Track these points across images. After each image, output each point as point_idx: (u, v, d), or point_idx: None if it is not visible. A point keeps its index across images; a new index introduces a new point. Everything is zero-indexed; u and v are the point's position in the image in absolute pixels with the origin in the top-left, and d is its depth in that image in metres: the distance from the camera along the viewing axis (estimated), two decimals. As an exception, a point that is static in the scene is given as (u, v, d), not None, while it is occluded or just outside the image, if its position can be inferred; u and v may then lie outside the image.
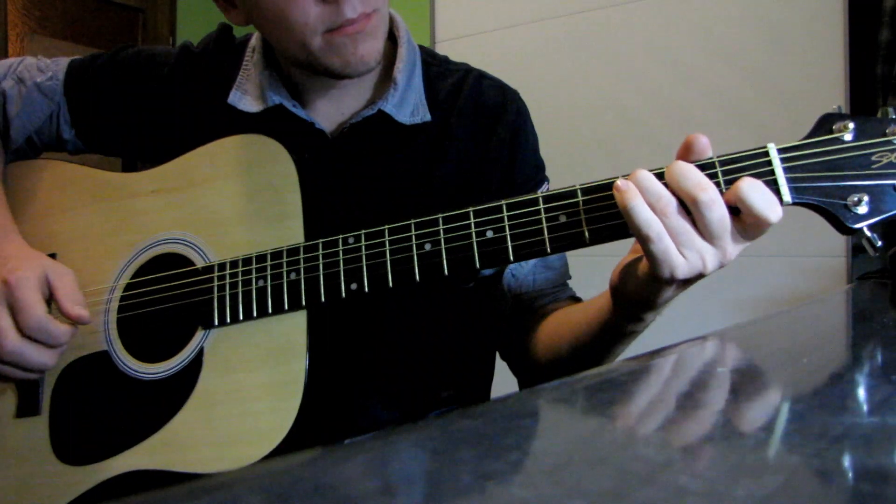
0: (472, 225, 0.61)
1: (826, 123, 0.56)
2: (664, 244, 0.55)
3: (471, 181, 0.80)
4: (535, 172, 0.84)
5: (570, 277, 0.88)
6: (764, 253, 1.65)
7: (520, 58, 1.99)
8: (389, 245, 0.64)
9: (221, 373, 0.69)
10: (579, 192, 0.58)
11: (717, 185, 0.55)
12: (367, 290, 0.64)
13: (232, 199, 0.74)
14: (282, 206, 0.71)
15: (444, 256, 0.62)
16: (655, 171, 0.56)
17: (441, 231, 0.62)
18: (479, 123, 0.82)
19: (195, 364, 0.71)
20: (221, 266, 0.72)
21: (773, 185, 0.54)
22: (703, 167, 0.56)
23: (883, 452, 0.27)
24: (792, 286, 1.62)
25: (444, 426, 0.32)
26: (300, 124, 0.78)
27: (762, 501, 0.22)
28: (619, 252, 0.65)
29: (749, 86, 1.68)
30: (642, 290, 0.61)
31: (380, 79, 0.81)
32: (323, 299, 0.66)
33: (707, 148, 0.57)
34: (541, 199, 0.59)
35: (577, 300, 0.86)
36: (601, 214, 0.57)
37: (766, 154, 0.55)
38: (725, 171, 0.55)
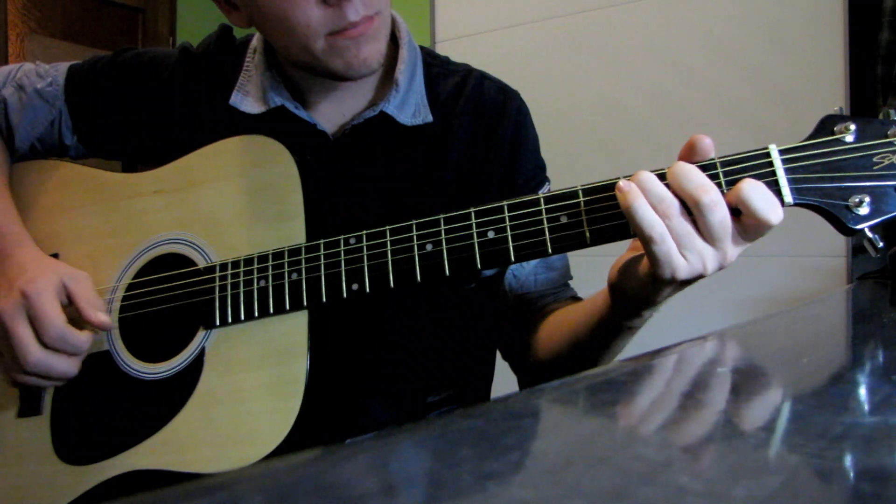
0: (474, 225, 0.61)
1: (827, 125, 0.56)
2: (667, 246, 0.55)
3: (472, 182, 0.80)
4: (536, 173, 0.84)
5: (571, 278, 0.88)
6: (764, 253, 1.65)
7: (520, 58, 1.99)
8: (391, 245, 0.64)
9: (222, 373, 0.69)
10: (580, 192, 0.59)
11: (719, 185, 0.55)
12: (368, 290, 0.64)
13: (234, 200, 0.74)
14: (283, 206, 0.71)
15: (445, 257, 0.62)
16: (657, 172, 0.56)
17: (442, 231, 0.62)
18: (481, 124, 0.82)
19: (196, 364, 0.71)
20: (223, 266, 0.72)
21: (775, 186, 0.54)
22: (704, 168, 0.56)
23: (883, 452, 0.27)
24: (792, 286, 1.62)
25: (444, 426, 0.32)
26: (302, 125, 0.78)
27: (762, 501, 0.22)
28: (619, 252, 0.65)
29: (749, 86, 1.68)
30: (642, 289, 0.61)
31: (381, 80, 0.81)
32: (324, 300, 0.66)
33: (710, 149, 0.57)
34: (542, 199, 0.60)
35: (578, 300, 0.86)
36: (602, 215, 0.58)
37: (768, 155, 0.55)
38: (727, 171, 0.55)
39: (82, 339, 0.73)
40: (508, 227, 0.60)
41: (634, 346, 0.72)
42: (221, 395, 0.68)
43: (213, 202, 0.75)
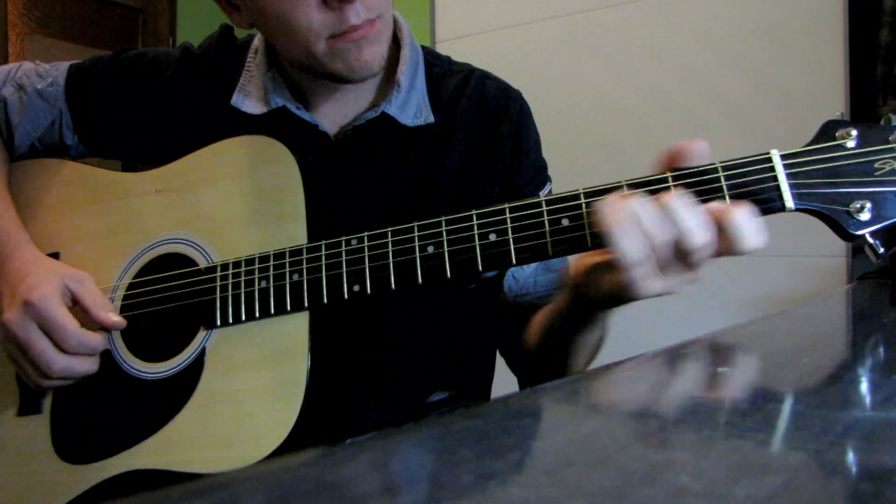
0: (475, 227, 0.61)
1: (829, 130, 0.56)
2: (644, 271, 0.55)
3: (473, 182, 0.80)
4: (537, 174, 0.84)
5: None
6: (764, 253, 1.64)
7: (520, 58, 1.99)
8: (392, 247, 0.64)
9: (223, 373, 0.69)
10: (582, 195, 0.59)
11: (719, 189, 0.55)
12: (369, 291, 0.64)
13: (235, 200, 0.74)
14: (284, 206, 0.71)
15: (446, 259, 0.62)
16: (649, 188, 0.56)
17: (444, 233, 0.62)
18: (482, 124, 0.82)
19: (197, 364, 0.71)
20: (224, 266, 0.72)
21: (776, 191, 0.54)
22: (705, 173, 0.56)
23: (884, 451, 0.27)
24: (792, 286, 1.62)
25: (444, 426, 0.32)
26: (303, 126, 0.78)
27: (763, 501, 0.22)
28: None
29: (749, 86, 1.68)
30: (608, 300, 0.61)
31: (383, 81, 0.81)
32: (325, 301, 0.66)
33: (705, 154, 0.56)
34: (543, 202, 0.59)
35: None
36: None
37: (770, 160, 0.55)
38: (728, 175, 0.55)
39: (99, 339, 0.74)
40: (510, 230, 0.60)
41: (634, 346, 0.72)
42: (222, 395, 0.68)
43: (215, 202, 0.75)
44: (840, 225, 0.54)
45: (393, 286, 0.63)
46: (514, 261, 0.60)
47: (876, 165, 0.54)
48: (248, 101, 0.80)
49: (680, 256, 0.54)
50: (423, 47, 0.86)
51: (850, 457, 0.27)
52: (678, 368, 0.47)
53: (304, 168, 0.72)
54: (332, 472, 0.25)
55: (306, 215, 0.70)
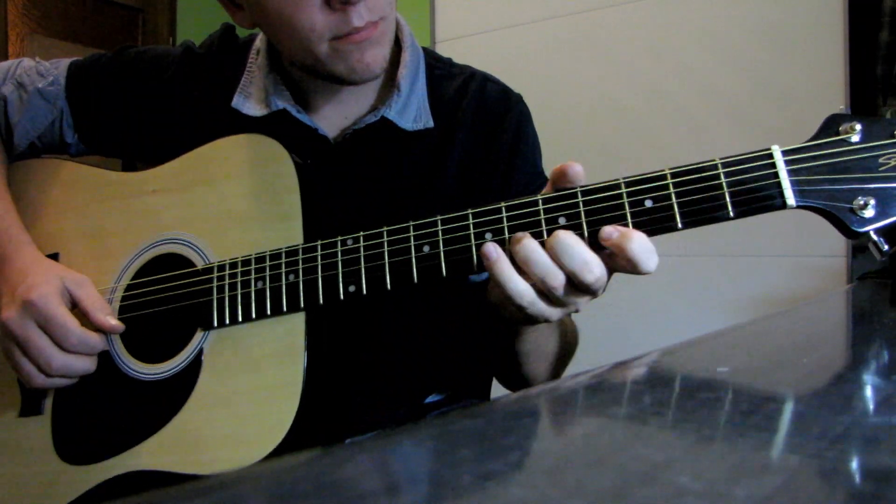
0: (471, 226, 0.61)
1: (832, 125, 0.55)
2: (536, 307, 0.58)
3: (472, 186, 0.80)
4: (534, 178, 0.83)
5: None
6: (764, 253, 1.65)
7: (520, 58, 1.99)
8: (388, 247, 0.64)
9: (220, 374, 0.69)
10: (579, 193, 0.58)
11: (719, 186, 0.55)
12: (365, 291, 0.64)
13: (232, 200, 0.74)
14: (281, 207, 0.71)
15: (442, 258, 0.62)
16: (532, 231, 0.58)
17: (440, 233, 0.62)
18: (482, 127, 0.82)
19: (194, 365, 0.71)
20: (221, 267, 0.72)
21: (777, 188, 0.53)
22: (704, 170, 0.55)
23: (884, 452, 0.27)
24: (792, 286, 1.62)
25: (444, 426, 0.32)
26: (303, 129, 0.78)
27: (762, 501, 0.22)
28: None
29: (749, 86, 1.68)
30: (518, 323, 0.64)
31: (383, 83, 0.81)
32: (321, 301, 0.66)
33: (580, 176, 0.58)
34: (540, 200, 0.59)
35: None
36: (601, 218, 0.57)
37: (770, 156, 0.54)
38: (728, 172, 0.55)
39: (99, 339, 0.74)
40: (506, 229, 0.60)
41: (634, 345, 0.72)
42: (219, 396, 0.68)
43: (212, 202, 0.75)
44: (843, 222, 0.53)
45: (388, 286, 0.63)
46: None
47: (881, 161, 0.52)
48: (249, 102, 0.80)
49: (573, 289, 0.56)
50: (425, 49, 0.86)
51: (851, 457, 0.27)
52: (678, 368, 0.47)
53: (303, 171, 0.72)
54: (331, 472, 0.25)
55: (306, 219, 0.70)
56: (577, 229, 0.57)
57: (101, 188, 0.82)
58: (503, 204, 0.60)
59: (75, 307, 0.74)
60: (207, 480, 0.25)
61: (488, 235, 0.60)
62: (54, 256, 0.81)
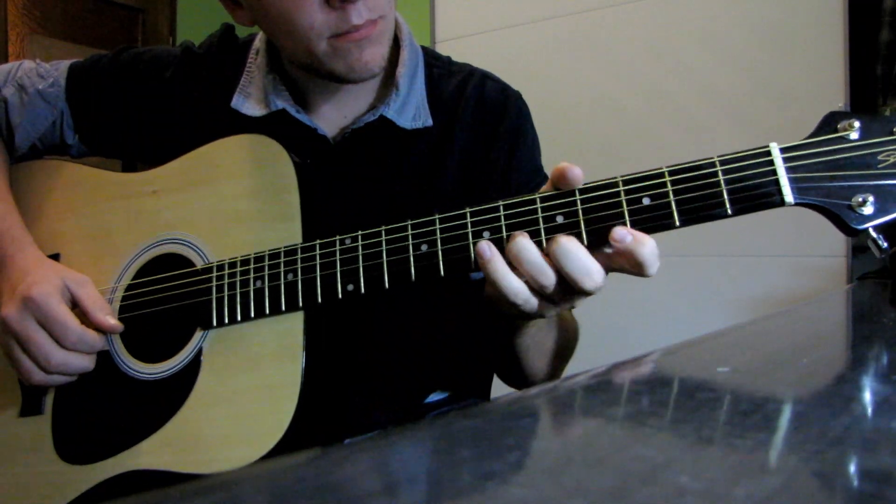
0: (469, 225, 0.61)
1: (831, 122, 0.54)
2: (531, 305, 0.58)
3: (472, 184, 0.80)
4: (533, 176, 0.83)
5: None
6: (764, 253, 1.65)
7: (520, 58, 1.99)
8: (386, 245, 0.64)
9: (219, 373, 0.69)
10: (577, 192, 0.58)
11: (717, 184, 0.55)
12: (363, 290, 0.64)
13: (232, 200, 0.74)
14: (281, 206, 0.71)
15: (440, 257, 0.62)
16: (529, 230, 0.58)
17: (437, 231, 0.62)
18: (481, 125, 0.82)
19: (194, 365, 0.71)
20: (220, 267, 0.72)
21: (775, 185, 0.53)
22: (702, 167, 0.55)
23: (883, 453, 0.27)
24: (792, 286, 1.62)
25: (444, 426, 0.32)
26: (302, 129, 0.78)
27: (762, 501, 0.22)
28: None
29: (749, 86, 1.68)
30: (517, 316, 0.65)
31: (382, 82, 0.81)
32: (319, 300, 0.66)
33: (579, 178, 0.58)
34: (538, 199, 0.59)
35: None
36: (599, 216, 0.57)
37: (769, 154, 0.54)
38: (726, 170, 0.55)
39: (98, 338, 0.74)
40: (504, 227, 0.60)
41: (634, 345, 0.72)
42: (218, 395, 0.68)
43: (211, 202, 0.75)
44: (842, 220, 0.53)
45: (387, 285, 0.63)
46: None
47: (880, 158, 0.52)
48: (248, 103, 0.80)
49: (569, 291, 0.57)
50: (424, 48, 0.86)
51: (850, 457, 0.27)
52: (678, 368, 0.47)
53: (302, 171, 0.72)
54: (331, 472, 0.25)
55: (305, 218, 0.70)
56: (574, 228, 0.57)
57: (102, 189, 0.83)
58: (501, 203, 0.60)
59: (76, 307, 0.75)
60: (207, 480, 0.25)
61: (486, 234, 0.60)
62: (55, 257, 0.82)
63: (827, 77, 1.59)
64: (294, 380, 0.65)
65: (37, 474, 0.75)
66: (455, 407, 0.85)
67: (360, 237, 0.65)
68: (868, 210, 0.52)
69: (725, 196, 0.54)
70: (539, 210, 0.59)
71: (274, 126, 0.77)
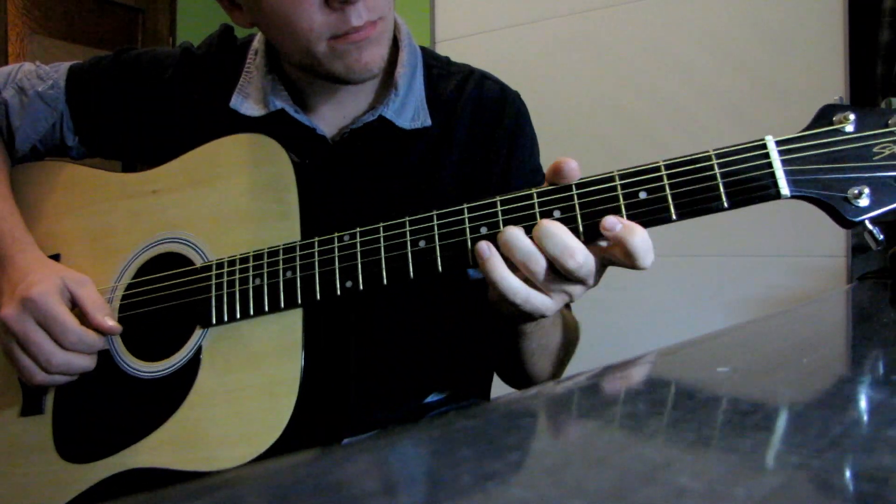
0: (467, 221, 0.61)
1: (827, 114, 0.55)
2: (531, 303, 0.58)
3: (471, 184, 0.80)
4: (532, 176, 0.84)
5: None
6: (764, 253, 1.65)
7: (520, 58, 1.99)
8: (384, 242, 0.64)
9: (219, 371, 0.69)
10: (574, 187, 0.58)
11: (713, 177, 0.55)
12: (361, 287, 0.64)
13: (231, 199, 0.74)
14: (280, 205, 0.71)
15: (438, 253, 0.62)
16: (524, 224, 0.58)
17: (435, 227, 0.62)
18: (480, 125, 0.82)
19: (193, 363, 0.71)
20: (219, 265, 0.72)
21: (771, 178, 0.53)
22: (698, 161, 0.55)
23: (883, 452, 0.27)
24: (792, 286, 1.62)
25: (444, 426, 0.32)
26: (301, 129, 0.78)
27: (762, 502, 0.22)
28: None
29: (749, 86, 1.68)
30: (518, 319, 0.65)
31: (381, 83, 0.81)
32: (318, 297, 0.66)
33: (576, 172, 0.58)
34: (535, 194, 0.59)
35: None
36: (596, 210, 0.57)
37: (764, 147, 0.54)
38: (721, 163, 0.55)
39: (97, 338, 0.74)
40: (501, 223, 0.60)
41: (634, 345, 0.72)
42: (217, 393, 0.68)
43: (210, 201, 0.75)
44: (838, 212, 0.53)
45: (385, 281, 0.63)
46: None
47: (875, 150, 0.52)
48: (247, 103, 0.80)
49: (558, 276, 0.57)
50: (423, 48, 0.86)
51: (850, 457, 0.27)
52: (678, 368, 0.47)
53: (301, 170, 0.72)
54: (331, 472, 0.25)
55: (304, 218, 0.70)
56: (572, 222, 0.57)
57: (102, 189, 0.83)
58: (498, 198, 0.60)
59: (76, 307, 0.75)
60: (207, 480, 0.25)
61: (483, 229, 0.60)
62: (56, 257, 0.82)
63: (827, 77, 1.58)
64: (293, 377, 0.65)
65: (37, 473, 0.75)
66: (455, 407, 0.85)
67: (358, 234, 0.65)
68: (864, 202, 0.52)
69: (721, 189, 0.54)
70: (536, 205, 0.59)
71: (273, 126, 0.77)
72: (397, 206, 0.78)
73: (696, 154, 0.56)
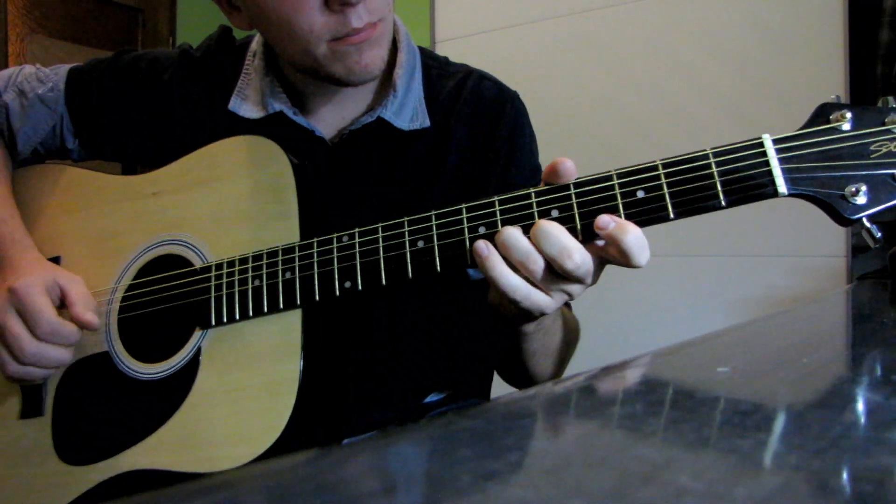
0: (465, 221, 0.61)
1: (824, 113, 0.55)
2: (531, 300, 0.58)
3: (470, 184, 0.80)
4: (532, 176, 0.83)
5: None
6: (764, 253, 1.65)
7: (520, 58, 1.99)
8: (383, 242, 0.64)
9: (218, 372, 0.69)
10: (572, 186, 0.58)
11: (710, 176, 0.55)
12: (360, 287, 0.64)
13: (231, 201, 0.74)
14: (279, 206, 0.71)
15: (436, 253, 0.62)
16: (522, 224, 0.58)
17: (434, 227, 0.62)
18: (479, 125, 0.82)
19: (193, 364, 0.71)
20: (218, 266, 0.72)
21: (768, 177, 0.53)
22: (696, 160, 0.55)
23: (883, 453, 0.27)
24: (792, 286, 1.62)
25: (443, 426, 0.32)
26: (300, 131, 0.78)
27: (762, 502, 0.22)
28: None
29: (749, 86, 1.68)
30: (518, 318, 0.65)
31: (380, 84, 0.81)
32: (317, 298, 0.66)
33: (573, 171, 0.58)
34: (533, 193, 0.59)
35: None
36: (594, 209, 0.57)
37: (761, 145, 0.54)
38: (719, 162, 0.55)
39: (72, 330, 0.74)
40: (499, 223, 0.60)
41: (634, 346, 0.72)
42: (217, 394, 0.68)
43: (210, 203, 0.75)
44: (835, 210, 0.53)
45: (384, 282, 0.63)
46: None
47: (872, 148, 0.52)
48: (246, 105, 0.80)
49: (559, 275, 0.57)
50: (421, 49, 0.86)
51: (850, 457, 0.27)
52: (678, 368, 0.47)
53: (300, 172, 0.72)
54: (331, 472, 0.25)
55: (303, 219, 0.70)
56: (569, 221, 0.57)
57: (102, 191, 0.83)
58: (496, 198, 0.60)
59: (65, 306, 0.75)
60: (208, 480, 0.25)
61: (482, 229, 0.60)
62: (56, 259, 0.82)
63: (827, 77, 1.58)
64: (292, 378, 0.65)
65: (37, 476, 0.75)
66: (455, 407, 0.85)
67: (356, 234, 0.65)
68: (861, 200, 0.52)
69: (719, 188, 0.54)
70: (534, 204, 0.59)
71: (271, 128, 0.77)
72: (396, 206, 0.78)
73: (694, 153, 0.56)
